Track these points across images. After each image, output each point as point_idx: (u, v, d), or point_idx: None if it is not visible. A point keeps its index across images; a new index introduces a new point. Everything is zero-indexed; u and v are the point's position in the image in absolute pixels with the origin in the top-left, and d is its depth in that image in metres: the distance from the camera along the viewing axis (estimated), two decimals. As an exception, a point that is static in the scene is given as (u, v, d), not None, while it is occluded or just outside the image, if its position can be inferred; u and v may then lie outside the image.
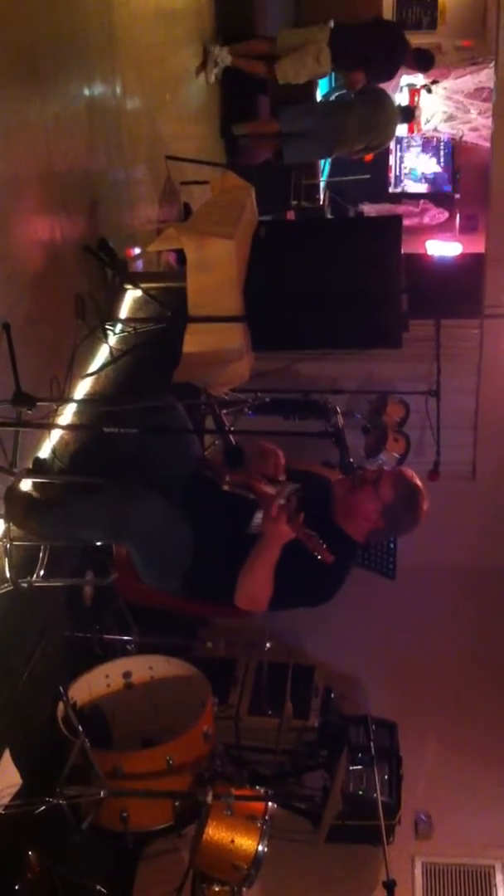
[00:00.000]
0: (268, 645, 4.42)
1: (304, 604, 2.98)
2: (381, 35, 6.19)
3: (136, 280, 4.14)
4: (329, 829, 4.60)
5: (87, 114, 3.82)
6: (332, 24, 5.93)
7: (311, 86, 6.43)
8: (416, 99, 8.38)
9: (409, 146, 8.96)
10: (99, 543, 3.36)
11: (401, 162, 8.98)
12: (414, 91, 8.48)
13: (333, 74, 6.61)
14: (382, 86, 6.50)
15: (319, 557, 2.63)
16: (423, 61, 6.41)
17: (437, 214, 8.75)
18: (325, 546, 2.64)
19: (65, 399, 3.47)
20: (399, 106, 6.83)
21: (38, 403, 2.92)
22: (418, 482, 3.00)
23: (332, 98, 6.88)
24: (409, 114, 6.91)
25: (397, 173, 9.01)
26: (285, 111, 6.18)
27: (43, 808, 3.06)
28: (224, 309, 3.68)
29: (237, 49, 6.00)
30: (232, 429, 3.21)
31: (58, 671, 3.68)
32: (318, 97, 6.82)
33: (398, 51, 6.13)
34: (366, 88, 6.21)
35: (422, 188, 9.01)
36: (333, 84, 6.93)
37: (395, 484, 2.95)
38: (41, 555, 3.26)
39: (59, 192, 3.53)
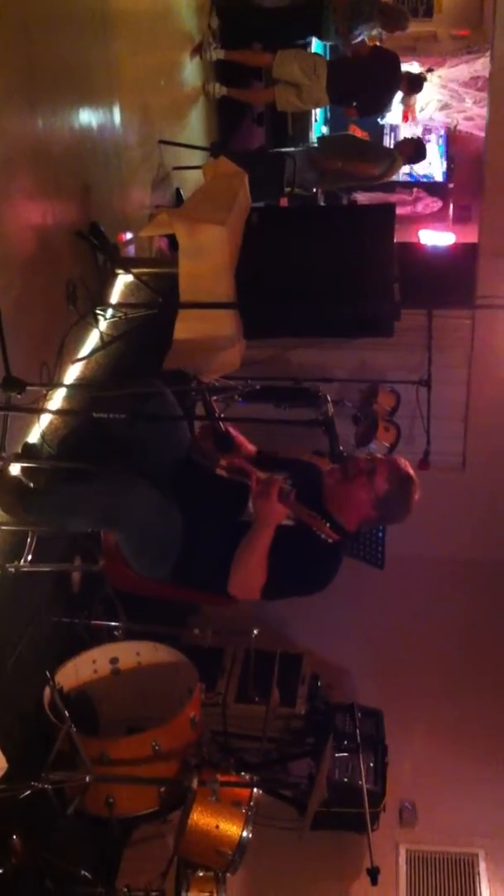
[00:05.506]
0: (255, 632, 4.41)
1: (300, 592, 2.96)
2: (378, 73, 6.33)
3: (127, 265, 4.12)
4: (314, 817, 4.61)
5: (81, 98, 3.79)
6: (328, 57, 6.30)
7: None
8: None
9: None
10: (88, 530, 3.36)
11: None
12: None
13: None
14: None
15: (322, 535, 2.62)
16: (415, 86, 7.02)
17: (431, 203, 8.73)
18: (327, 524, 2.63)
19: (54, 384, 3.46)
20: (407, 73, 6.86)
21: (28, 388, 2.92)
22: (412, 472, 2.99)
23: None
24: (417, 83, 6.95)
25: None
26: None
27: (28, 792, 3.05)
28: (216, 295, 3.66)
29: (233, 55, 6.19)
30: (222, 416, 3.20)
31: (45, 656, 3.68)
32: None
33: (393, 88, 6.52)
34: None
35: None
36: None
37: (389, 475, 2.94)
38: (29, 540, 3.25)
39: (51, 176, 3.50)
